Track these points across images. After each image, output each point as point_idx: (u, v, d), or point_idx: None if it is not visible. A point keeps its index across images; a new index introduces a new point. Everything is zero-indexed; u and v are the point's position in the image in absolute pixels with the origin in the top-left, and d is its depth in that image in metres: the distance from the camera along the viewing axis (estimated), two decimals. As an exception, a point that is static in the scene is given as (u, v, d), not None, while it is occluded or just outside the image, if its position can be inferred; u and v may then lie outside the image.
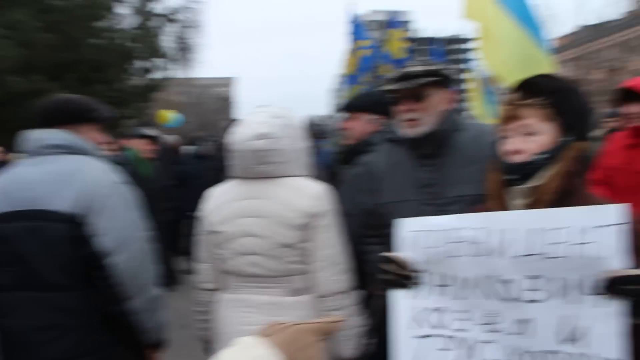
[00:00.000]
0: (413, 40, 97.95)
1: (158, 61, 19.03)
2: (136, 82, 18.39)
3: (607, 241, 1.29)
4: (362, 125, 2.93)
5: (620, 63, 38.96)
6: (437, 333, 1.54)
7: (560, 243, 1.35)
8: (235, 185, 2.34)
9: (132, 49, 17.22)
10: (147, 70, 18.68)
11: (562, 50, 51.27)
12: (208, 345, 2.48)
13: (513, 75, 6.04)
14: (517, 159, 1.57)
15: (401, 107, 2.23)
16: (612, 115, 8.72)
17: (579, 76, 45.59)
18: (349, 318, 2.21)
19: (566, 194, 1.54)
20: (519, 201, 1.60)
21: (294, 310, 2.19)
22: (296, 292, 2.23)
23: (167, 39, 20.46)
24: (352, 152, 2.86)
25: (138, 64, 18.15)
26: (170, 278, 7.82)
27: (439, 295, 1.56)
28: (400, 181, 2.27)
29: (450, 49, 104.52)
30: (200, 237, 2.39)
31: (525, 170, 1.56)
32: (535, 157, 1.55)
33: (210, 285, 2.40)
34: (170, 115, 11.61)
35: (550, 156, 1.55)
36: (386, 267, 1.63)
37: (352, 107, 3.03)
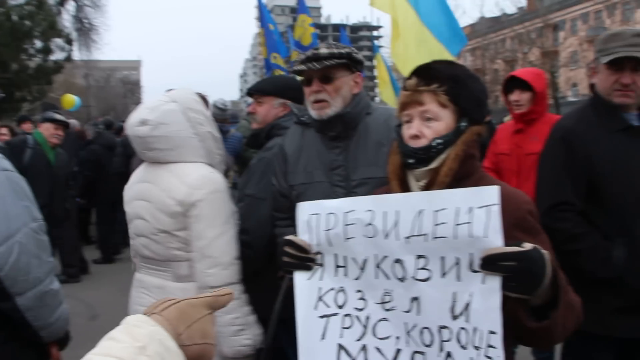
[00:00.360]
0: (321, 26, 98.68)
1: (57, 41, 17.86)
2: (35, 63, 17.18)
3: (486, 221, 1.34)
4: (268, 109, 2.88)
5: (517, 54, 41.43)
6: (343, 312, 1.58)
7: (443, 223, 1.39)
8: (142, 167, 2.40)
9: (28, 27, 16.04)
10: (46, 51, 17.49)
11: (463, 41, 53.64)
12: None
13: (410, 65, 6.31)
14: (417, 143, 1.60)
15: (309, 89, 2.25)
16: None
17: (477, 66, 48.01)
18: (221, 315, 2.14)
19: (462, 177, 1.59)
20: (418, 183, 1.64)
21: (178, 296, 2.21)
22: (181, 278, 2.25)
23: (66, 18, 19.25)
24: (258, 136, 2.86)
25: (36, 43, 16.95)
26: (80, 268, 7.54)
27: (342, 275, 1.59)
28: (311, 163, 2.31)
29: (358, 35, 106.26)
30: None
31: (423, 155, 1.59)
32: (433, 142, 1.58)
33: (133, 266, 2.50)
34: (75, 99, 11.02)
35: (448, 141, 1.58)
36: (288, 249, 1.64)
37: (257, 90, 2.95)
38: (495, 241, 1.33)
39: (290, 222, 2.40)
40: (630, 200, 2.34)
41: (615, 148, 2.37)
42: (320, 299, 1.62)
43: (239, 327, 2.24)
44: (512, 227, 1.46)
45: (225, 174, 4.53)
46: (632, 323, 2.34)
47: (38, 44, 17.17)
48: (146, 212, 2.23)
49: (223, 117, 6.45)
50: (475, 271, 1.36)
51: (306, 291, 1.63)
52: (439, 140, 1.58)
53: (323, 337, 1.59)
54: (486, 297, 1.34)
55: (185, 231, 2.20)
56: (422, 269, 1.44)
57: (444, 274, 1.41)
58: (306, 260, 1.63)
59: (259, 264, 2.61)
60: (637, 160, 2.36)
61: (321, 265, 1.63)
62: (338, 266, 1.61)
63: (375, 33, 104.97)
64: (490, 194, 1.35)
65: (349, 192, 2.21)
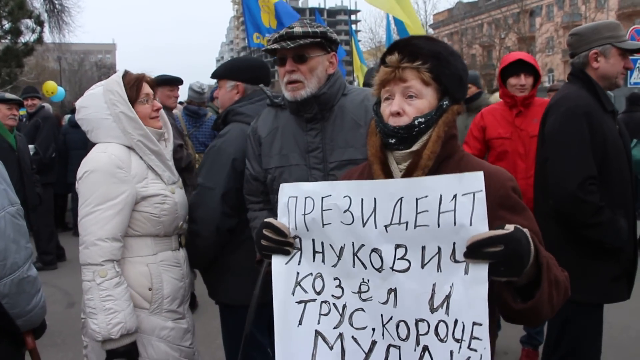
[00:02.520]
0: (298, 10, 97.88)
1: (27, 22, 17.34)
2: (3, 44, 16.68)
3: (471, 208, 1.29)
4: (224, 92, 2.81)
5: (494, 40, 41.66)
6: (321, 299, 1.53)
7: (426, 211, 1.34)
8: None
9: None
10: (15, 33, 16.98)
11: (438, 26, 53.83)
12: None
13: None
14: (398, 121, 1.54)
15: (283, 69, 2.18)
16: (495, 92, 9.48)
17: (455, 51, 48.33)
18: (84, 292, 2.20)
19: (444, 158, 1.55)
20: (399, 165, 1.59)
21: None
22: None
23: (36, -1, 18.69)
24: (222, 122, 2.77)
25: (5, 24, 16.43)
26: (56, 255, 7.40)
27: (319, 261, 1.54)
28: (286, 146, 2.26)
29: (335, 20, 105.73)
30: None
31: (405, 134, 1.54)
32: (415, 120, 1.53)
33: None
34: (56, 87, 10.72)
35: (430, 120, 1.54)
36: (266, 233, 1.59)
37: (215, 75, 2.88)
38: (481, 229, 1.28)
39: (263, 206, 2.39)
40: (624, 175, 2.54)
41: (611, 128, 2.55)
42: (298, 284, 1.57)
43: (90, 309, 2.20)
44: (497, 206, 1.43)
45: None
46: (620, 288, 2.59)
47: (6, 25, 16.65)
48: None
49: (200, 99, 6.35)
50: (457, 261, 1.31)
51: (284, 276, 1.58)
52: (420, 119, 1.53)
53: (300, 323, 1.55)
54: (470, 288, 1.29)
55: None
56: (401, 259, 1.38)
57: (423, 265, 1.35)
58: (284, 244, 1.58)
59: (209, 252, 2.61)
60: (621, 140, 2.59)
61: (299, 249, 1.58)
62: (316, 252, 1.55)
63: (352, 17, 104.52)
64: (474, 180, 1.29)
65: (326, 175, 2.17)
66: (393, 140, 1.56)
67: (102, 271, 2.17)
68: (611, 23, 2.68)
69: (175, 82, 5.39)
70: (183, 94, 6.81)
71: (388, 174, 1.59)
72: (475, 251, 1.26)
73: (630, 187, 2.60)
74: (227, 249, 2.66)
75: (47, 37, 20.58)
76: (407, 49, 1.55)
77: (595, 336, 2.65)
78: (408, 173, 1.54)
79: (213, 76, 2.91)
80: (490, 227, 1.29)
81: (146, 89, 2.40)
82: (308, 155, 2.23)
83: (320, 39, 2.16)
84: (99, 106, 2.32)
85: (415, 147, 1.55)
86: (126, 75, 2.39)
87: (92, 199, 2.21)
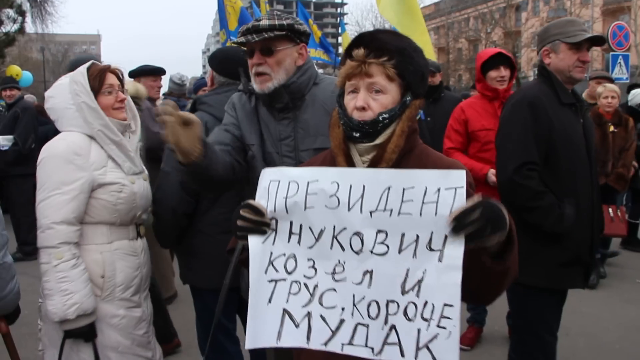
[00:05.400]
0: (285, 2, 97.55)
1: (8, 12, 17.11)
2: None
3: (451, 202, 1.38)
4: (210, 81, 2.98)
5: (480, 34, 41.89)
6: (291, 279, 1.58)
7: (410, 201, 1.42)
8: None
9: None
10: (-4, 23, 16.78)
11: (425, 20, 54.00)
12: None
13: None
14: (363, 116, 1.57)
15: (251, 61, 2.21)
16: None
17: (441, 44, 48.42)
18: (42, 274, 2.26)
19: (406, 152, 1.60)
20: (362, 157, 1.63)
21: None
22: None
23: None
24: (191, 110, 2.84)
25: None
26: (36, 246, 7.36)
27: (294, 243, 1.60)
28: (260, 134, 2.30)
29: (322, 12, 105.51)
30: None
31: (370, 129, 1.57)
32: (380, 116, 1.56)
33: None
34: (20, 71, 10.64)
35: (394, 115, 1.57)
36: (243, 213, 1.60)
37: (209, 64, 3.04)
38: None
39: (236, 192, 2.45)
40: (577, 166, 2.64)
41: (565, 119, 2.66)
42: (270, 263, 1.62)
43: (47, 291, 2.26)
44: None
45: None
46: (572, 275, 2.70)
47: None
48: None
49: (180, 91, 6.36)
50: (432, 250, 1.40)
51: (259, 255, 1.63)
52: (385, 115, 1.56)
53: (270, 301, 1.60)
54: (443, 274, 1.38)
55: None
56: (381, 243, 1.46)
57: (400, 250, 1.43)
58: (262, 224, 1.60)
59: (168, 233, 2.81)
60: (578, 131, 2.69)
61: (275, 231, 1.62)
62: (292, 233, 1.60)
63: (339, 10, 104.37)
64: (458, 177, 1.39)
65: (297, 163, 2.20)
66: (357, 134, 1.59)
67: (59, 254, 2.22)
68: (560, 21, 2.82)
69: (157, 72, 5.35)
70: (165, 85, 6.80)
71: (351, 165, 1.63)
72: (460, 222, 1.32)
73: (586, 177, 2.68)
74: (188, 233, 2.79)
75: (30, 28, 20.35)
76: (373, 44, 1.57)
77: (550, 320, 2.74)
78: (372, 165, 1.59)
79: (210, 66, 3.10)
80: None
81: (111, 79, 2.42)
82: (280, 144, 2.26)
83: (287, 32, 2.17)
84: (64, 96, 2.38)
85: (378, 141, 1.59)
86: (92, 66, 2.43)
87: (48, 184, 2.26)
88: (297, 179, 1.59)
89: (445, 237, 1.38)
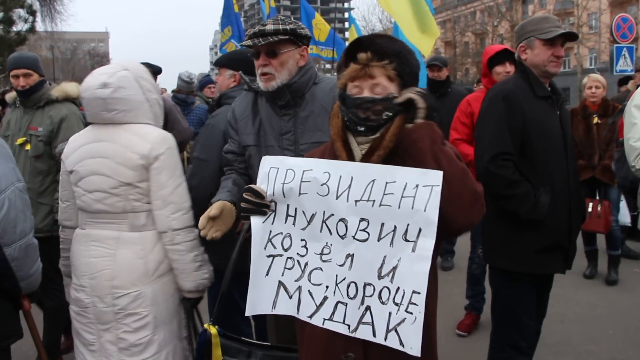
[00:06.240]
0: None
1: (19, 12, 17.35)
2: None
3: (427, 198, 1.51)
4: (222, 80, 3.19)
5: (487, 27, 41.67)
6: (287, 255, 1.79)
7: (391, 194, 1.55)
8: (89, 130, 2.54)
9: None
10: (7, 22, 17.01)
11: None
12: (68, 280, 2.66)
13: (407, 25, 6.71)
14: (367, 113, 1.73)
15: (257, 62, 2.41)
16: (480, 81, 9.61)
17: (448, 38, 48.20)
18: (185, 253, 2.44)
19: (400, 146, 1.72)
20: (361, 145, 1.78)
21: (134, 244, 2.44)
22: (136, 228, 2.44)
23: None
24: (216, 104, 3.16)
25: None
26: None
27: (290, 224, 1.78)
28: (263, 128, 2.50)
29: (329, 7, 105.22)
30: (62, 177, 2.59)
31: (375, 123, 1.73)
32: (384, 114, 1.72)
33: (68, 223, 2.61)
34: None
35: (397, 109, 1.72)
36: (246, 196, 1.83)
37: (216, 63, 3.29)
38: (432, 216, 1.51)
39: (232, 174, 2.63)
40: (552, 156, 2.78)
41: (540, 111, 2.80)
42: (269, 240, 1.83)
43: (199, 263, 2.50)
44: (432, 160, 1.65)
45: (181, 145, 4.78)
46: (550, 261, 2.84)
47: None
48: (105, 167, 2.40)
49: (189, 89, 6.53)
50: (407, 240, 1.54)
51: (260, 233, 1.84)
52: (388, 112, 1.72)
53: (267, 274, 1.82)
54: (415, 263, 1.53)
55: (145, 183, 2.42)
56: (363, 230, 1.62)
57: (379, 238, 1.58)
58: (262, 205, 1.83)
59: None
60: (553, 123, 2.83)
61: (274, 212, 1.83)
62: (288, 215, 1.79)
63: (346, 5, 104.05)
64: (435, 177, 1.52)
65: (297, 155, 2.36)
66: (362, 129, 1.75)
67: (197, 231, 2.42)
68: (535, 18, 2.96)
69: (154, 71, 5.48)
70: (172, 82, 6.98)
71: (349, 151, 1.79)
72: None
73: (562, 166, 2.81)
74: None
75: (40, 26, 20.59)
76: (373, 48, 1.73)
77: (526, 305, 2.87)
78: (370, 151, 1.74)
79: (216, 64, 3.32)
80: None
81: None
82: (281, 138, 2.45)
83: (290, 36, 2.36)
84: (135, 89, 2.45)
85: (378, 134, 1.75)
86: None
87: (177, 171, 2.47)
88: (293, 167, 1.79)
89: (420, 230, 1.54)
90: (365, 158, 1.73)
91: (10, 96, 3.94)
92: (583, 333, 4.37)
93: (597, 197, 5.46)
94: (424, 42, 6.50)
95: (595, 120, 5.44)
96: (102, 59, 51.15)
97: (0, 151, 2.17)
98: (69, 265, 2.61)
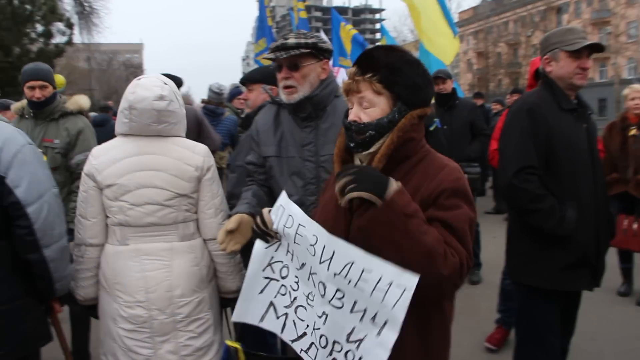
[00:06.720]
0: (322, 9, 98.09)
1: (58, 25, 17.92)
2: (37, 47, 17.26)
3: (397, 298, 1.51)
4: (256, 94, 3.28)
5: (520, 38, 41.19)
6: (282, 282, 1.89)
7: (366, 281, 1.57)
8: (123, 142, 2.48)
9: (29, 11, 16.11)
10: (47, 35, 17.58)
11: (463, 25, 53.36)
12: (87, 301, 2.59)
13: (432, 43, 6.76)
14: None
15: (280, 75, 2.46)
16: (514, 92, 9.47)
17: (480, 49, 47.75)
18: (232, 257, 2.55)
19: (400, 160, 1.71)
20: (363, 164, 1.76)
21: (187, 253, 2.50)
22: (186, 237, 2.50)
23: (67, 2, 19.26)
24: (250, 118, 3.19)
25: (38, 27, 17.00)
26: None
27: (289, 259, 1.88)
28: (285, 139, 2.54)
29: (360, 18, 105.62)
30: (89, 193, 2.47)
31: (360, 137, 1.70)
32: (368, 123, 1.69)
33: (94, 241, 2.49)
34: (64, 81, 11.13)
35: (380, 127, 1.68)
36: (257, 221, 1.94)
37: (248, 79, 3.37)
38: (399, 315, 1.50)
39: (253, 185, 2.69)
40: (578, 169, 2.73)
41: (566, 124, 2.75)
42: (269, 264, 1.94)
43: (241, 264, 2.61)
44: (431, 206, 1.63)
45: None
46: (576, 277, 2.76)
47: (39, 28, 17.23)
48: (159, 180, 2.42)
49: (219, 100, 6.63)
50: (375, 323, 1.57)
51: (260, 256, 1.95)
52: (371, 132, 1.69)
53: (261, 292, 1.93)
54: (377, 346, 1.56)
55: (196, 193, 2.51)
56: (338, 299, 1.66)
57: (352, 311, 1.62)
58: (265, 234, 1.92)
59: None
60: (580, 136, 2.77)
61: (279, 241, 1.92)
62: (288, 251, 1.88)
63: (377, 16, 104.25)
64: (410, 279, 1.49)
65: (318, 166, 2.45)
66: (352, 144, 1.74)
67: None
68: (560, 30, 2.88)
69: (177, 83, 5.52)
70: (204, 93, 7.10)
71: None
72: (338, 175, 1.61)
73: (588, 180, 2.74)
74: None
75: (77, 38, 21.23)
76: (364, 62, 1.71)
77: (551, 322, 2.80)
78: None
79: (248, 81, 3.36)
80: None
81: None
82: (303, 149, 2.49)
83: (312, 49, 2.40)
84: (180, 103, 2.54)
85: (373, 149, 1.72)
86: None
87: (220, 181, 2.62)
88: (293, 216, 1.83)
89: (386, 321, 1.56)
90: None
91: (16, 107, 3.99)
92: (615, 352, 4.23)
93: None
94: (450, 48, 6.49)
95: (633, 132, 5.20)
96: (136, 70, 52.31)
97: (37, 157, 2.26)
98: (91, 285, 2.55)
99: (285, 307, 1.86)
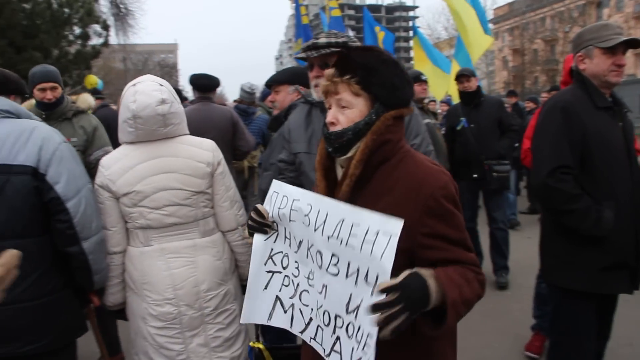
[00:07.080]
0: (355, 7, 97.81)
1: (95, 27, 18.35)
2: (74, 48, 17.72)
3: (384, 246, 1.47)
4: (284, 95, 3.33)
5: (557, 34, 40.22)
6: (285, 273, 1.89)
7: (355, 236, 1.55)
8: (132, 150, 2.49)
9: (67, 14, 16.54)
10: (84, 37, 18.01)
11: (499, 21, 52.42)
12: (115, 307, 2.64)
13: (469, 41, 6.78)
14: (333, 129, 1.69)
15: (311, 74, 2.53)
16: (552, 89, 9.29)
17: (516, 46, 46.82)
18: (250, 245, 2.60)
19: (379, 163, 1.66)
20: (340, 170, 1.74)
21: (210, 248, 2.57)
22: (207, 233, 2.58)
23: (103, 4, 19.73)
24: (279, 119, 3.21)
25: (75, 30, 17.44)
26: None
27: (287, 245, 1.88)
28: (315, 136, 2.58)
29: (394, 16, 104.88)
30: (105, 204, 2.48)
31: (336, 143, 1.67)
32: (345, 129, 1.66)
33: (117, 248, 2.54)
34: (96, 80, 11.38)
35: (357, 130, 1.64)
36: (252, 215, 1.92)
37: (274, 81, 3.40)
38: (387, 266, 1.45)
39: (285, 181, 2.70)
40: (615, 169, 2.65)
41: (601, 123, 2.67)
42: (270, 257, 1.93)
43: None
44: (424, 215, 1.57)
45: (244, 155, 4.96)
46: (614, 280, 2.68)
47: (77, 30, 17.67)
48: (174, 181, 2.47)
49: (250, 99, 6.72)
50: (368, 283, 1.52)
51: (260, 249, 1.95)
52: (349, 136, 1.65)
53: (266, 288, 1.93)
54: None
55: (211, 188, 2.57)
56: (334, 265, 1.65)
57: (347, 276, 1.60)
58: (263, 225, 1.89)
59: None
60: (615, 135, 2.70)
61: (277, 231, 1.92)
62: (285, 237, 1.89)
63: (410, 13, 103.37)
64: (395, 225, 1.45)
65: None
66: (330, 149, 1.71)
67: None
68: (594, 26, 2.80)
69: (215, 84, 5.45)
70: (237, 93, 7.18)
71: (330, 180, 1.76)
72: (378, 310, 1.39)
73: (625, 180, 2.66)
74: None
75: (113, 39, 21.70)
76: (341, 63, 1.68)
77: (586, 326, 2.73)
78: (342, 179, 1.69)
79: (274, 83, 3.38)
80: (416, 234, 1.55)
81: None
82: None
83: (342, 48, 2.37)
84: (179, 101, 2.58)
85: (350, 154, 1.68)
86: None
87: (230, 175, 2.67)
88: (287, 195, 1.86)
89: (377, 276, 1.51)
90: (338, 186, 1.69)
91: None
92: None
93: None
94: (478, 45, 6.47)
95: None
96: (171, 70, 53.16)
97: (73, 154, 2.34)
98: (119, 291, 2.60)
99: (291, 297, 1.86)
